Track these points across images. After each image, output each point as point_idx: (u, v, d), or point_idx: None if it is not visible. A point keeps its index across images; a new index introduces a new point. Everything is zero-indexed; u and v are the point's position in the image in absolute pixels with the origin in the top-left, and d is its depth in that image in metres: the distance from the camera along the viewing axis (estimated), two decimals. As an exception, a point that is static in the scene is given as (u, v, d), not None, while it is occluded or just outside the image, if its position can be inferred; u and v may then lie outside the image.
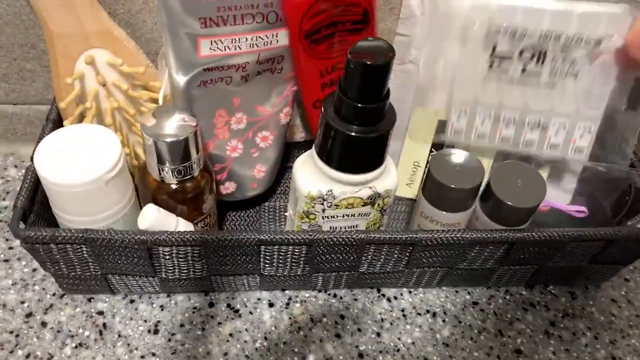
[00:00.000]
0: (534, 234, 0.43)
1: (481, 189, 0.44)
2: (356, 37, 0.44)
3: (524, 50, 0.45)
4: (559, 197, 0.51)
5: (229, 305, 0.47)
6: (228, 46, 0.42)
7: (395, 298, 0.49)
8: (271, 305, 0.48)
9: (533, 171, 0.45)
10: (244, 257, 0.43)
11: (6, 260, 0.49)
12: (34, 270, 0.48)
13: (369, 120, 0.38)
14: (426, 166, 0.53)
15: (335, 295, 0.49)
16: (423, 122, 0.51)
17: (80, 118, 0.46)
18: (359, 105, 0.37)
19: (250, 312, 0.47)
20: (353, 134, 0.38)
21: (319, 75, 0.46)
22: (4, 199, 0.54)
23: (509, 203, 0.42)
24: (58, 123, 0.46)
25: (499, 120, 0.48)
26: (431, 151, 0.52)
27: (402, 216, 0.55)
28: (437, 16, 0.45)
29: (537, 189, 0.43)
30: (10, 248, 0.50)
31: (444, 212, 0.45)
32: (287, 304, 0.48)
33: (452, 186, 0.43)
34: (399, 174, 0.43)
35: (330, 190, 0.41)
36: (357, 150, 0.39)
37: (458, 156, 0.45)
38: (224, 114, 0.46)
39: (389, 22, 0.52)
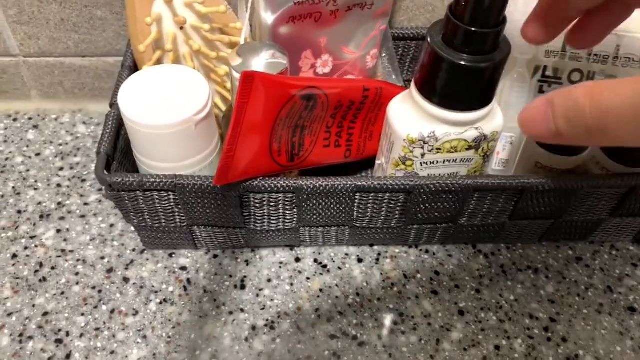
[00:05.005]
0: (659, 177, 0.39)
1: None
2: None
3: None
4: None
5: (315, 261, 0.45)
6: (320, -24, 0.39)
7: (493, 254, 0.46)
8: (360, 260, 0.45)
9: None
10: (337, 206, 0.40)
11: (82, 216, 0.47)
12: (112, 226, 0.46)
13: (482, 48, 0.34)
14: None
15: (427, 252, 0.46)
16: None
17: (158, 64, 0.44)
18: (473, 29, 0.33)
19: (339, 268, 0.44)
20: (464, 63, 0.34)
21: None
22: (75, 156, 0.52)
23: None
24: (134, 70, 0.44)
25: None
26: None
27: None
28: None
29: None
30: (86, 204, 0.48)
31: (562, 157, 0.41)
32: (377, 259, 0.45)
33: None
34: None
35: (433, 132, 0.38)
36: (467, 84, 0.35)
37: None
38: (310, 56, 0.43)
39: None
